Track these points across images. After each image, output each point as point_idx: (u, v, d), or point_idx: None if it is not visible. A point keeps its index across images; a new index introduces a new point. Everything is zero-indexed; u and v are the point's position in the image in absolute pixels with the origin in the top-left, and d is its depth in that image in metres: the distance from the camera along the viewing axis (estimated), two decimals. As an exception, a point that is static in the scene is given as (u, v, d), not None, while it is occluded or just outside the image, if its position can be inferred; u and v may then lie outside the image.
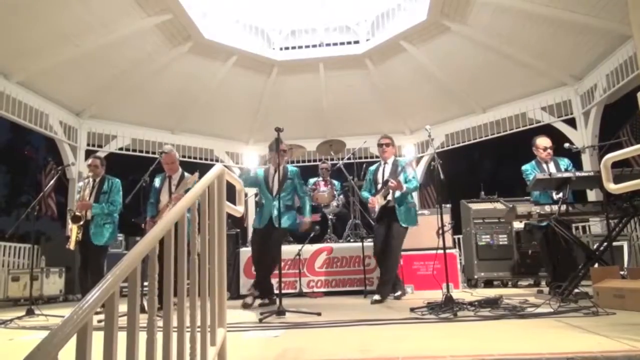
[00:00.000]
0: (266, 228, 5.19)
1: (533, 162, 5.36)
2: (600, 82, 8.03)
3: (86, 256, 5.39)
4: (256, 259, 5.28)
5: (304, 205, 5.48)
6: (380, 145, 5.49)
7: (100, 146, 9.58)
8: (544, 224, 4.89)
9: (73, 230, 5.25)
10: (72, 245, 5.22)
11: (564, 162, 5.28)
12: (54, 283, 7.33)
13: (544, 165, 5.25)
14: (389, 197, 5.21)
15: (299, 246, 6.42)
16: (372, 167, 5.69)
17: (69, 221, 5.37)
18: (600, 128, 8.40)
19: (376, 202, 5.25)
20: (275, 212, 5.03)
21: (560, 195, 4.56)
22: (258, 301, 5.17)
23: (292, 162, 8.70)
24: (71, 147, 9.17)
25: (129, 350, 1.38)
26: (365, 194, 5.56)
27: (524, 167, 5.35)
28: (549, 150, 5.25)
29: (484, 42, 8.37)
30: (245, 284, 6.66)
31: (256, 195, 8.22)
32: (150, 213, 5.30)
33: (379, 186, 5.34)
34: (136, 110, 9.70)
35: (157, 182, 5.46)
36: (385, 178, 5.25)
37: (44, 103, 8.47)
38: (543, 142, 5.32)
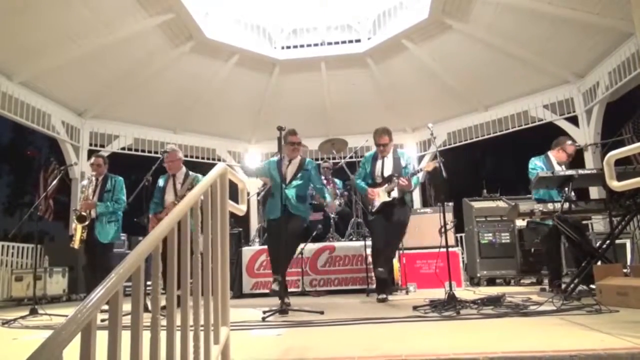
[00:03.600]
0: (282, 218, 4.87)
1: (543, 157, 5.27)
2: (602, 79, 8.01)
3: (92, 255, 5.40)
4: (274, 253, 4.94)
5: (322, 194, 5.26)
6: (378, 145, 5.21)
7: (102, 146, 9.61)
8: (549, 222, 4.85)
9: (77, 230, 5.27)
10: (76, 244, 5.26)
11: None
12: (57, 283, 7.35)
13: (555, 165, 5.16)
14: (394, 194, 5.03)
15: (301, 245, 6.41)
16: (369, 155, 5.42)
17: (74, 221, 5.38)
18: (603, 126, 8.38)
19: (377, 196, 5.07)
20: (289, 200, 4.91)
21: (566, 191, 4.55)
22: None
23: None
24: (74, 147, 9.19)
25: (133, 349, 1.39)
26: (360, 183, 5.31)
27: (534, 159, 5.24)
28: (570, 158, 5.21)
29: (485, 40, 8.35)
30: (248, 282, 6.69)
31: (258, 194, 8.24)
32: (154, 211, 5.30)
33: (378, 179, 5.16)
34: (138, 110, 9.72)
35: (160, 182, 5.47)
36: (390, 173, 5.09)
37: (47, 103, 8.49)
38: (572, 148, 5.25)
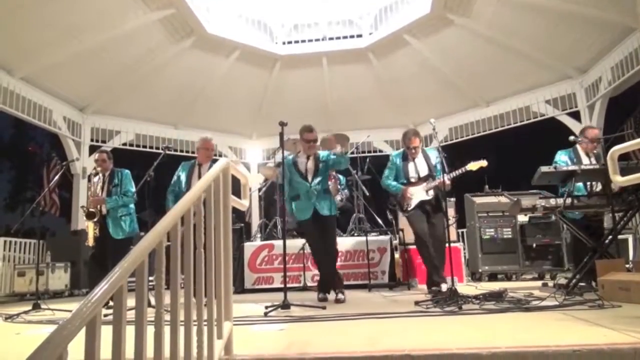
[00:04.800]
0: (314, 218, 4.86)
1: (570, 150, 5.13)
2: (605, 74, 7.98)
3: (103, 251, 5.24)
4: (317, 252, 4.98)
5: (342, 160, 5.00)
6: (409, 147, 5.19)
7: (104, 141, 9.61)
8: (579, 216, 4.79)
9: (90, 227, 5.19)
10: (90, 241, 5.15)
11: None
12: (59, 278, 7.37)
13: (582, 157, 5.04)
14: (432, 193, 5.04)
15: (303, 240, 6.42)
16: (397, 154, 5.41)
17: (84, 218, 5.31)
18: (605, 121, 8.35)
19: (414, 196, 5.07)
20: (317, 199, 4.84)
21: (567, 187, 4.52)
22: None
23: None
24: (75, 142, 9.20)
25: (137, 344, 1.39)
26: (392, 183, 5.27)
27: (560, 152, 5.13)
28: (595, 143, 5.09)
29: (487, 35, 8.32)
30: (250, 278, 6.70)
31: (260, 189, 8.25)
32: (173, 203, 5.22)
33: (413, 179, 5.16)
34: (140, 105, 9.71)
35: (181, 171, 5.41)
36: (426, 173, 5.11)
37: (48, 99, 8.49)
38: (593, 132, 5.15)
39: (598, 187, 4.71)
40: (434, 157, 5.22)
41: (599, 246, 4.34)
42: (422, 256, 5.28)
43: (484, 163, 4.88)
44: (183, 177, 5.38)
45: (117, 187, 5.39)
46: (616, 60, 7.67)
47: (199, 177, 5.23)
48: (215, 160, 5.47)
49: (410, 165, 5.23)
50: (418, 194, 5.12)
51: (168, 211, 4.97)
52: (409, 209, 5.16)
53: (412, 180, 5.19)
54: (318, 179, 4.93)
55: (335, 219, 5.12)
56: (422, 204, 5.11)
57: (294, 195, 4.97)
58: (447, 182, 4.79)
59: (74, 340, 1.04)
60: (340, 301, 4.60)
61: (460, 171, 4.91)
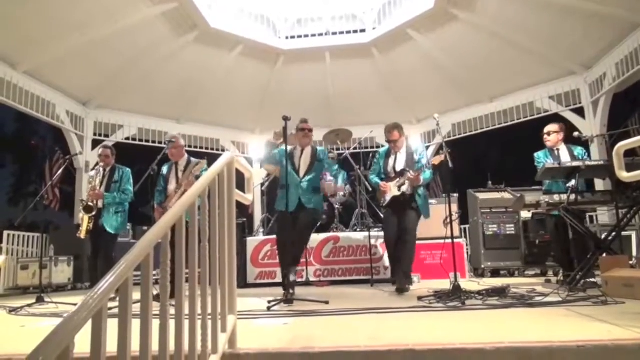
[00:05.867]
0: (298, 211, 4.78)
1: (546, 150, 5.28)
2: (609, 70, 7.94)
3: (98, 245, 5.45)
4: (283, 245, 4.81)
5: (337, 177, 5.16)
6: (388, 141, 5.21)
7: (107, 136, 9.62)
8: (556, 213, 4.83)
9: (84, 220, 5.30)
10: (82, 234, 5.30)
11: (579, 151, 5.19)
12: (62, 272, 7.40)
13: (556, 153, 5.17)
14: (404, 188, 4.98)
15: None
16: (383, 150, 5.43)
17: (81, 211, 5.40)
18: (609, 117, 8.32)
19: (389, 190, 5.07)
20: (303, 193, 4.82)
21: (573, 183, 4.52)
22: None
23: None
24: (78, 136, 9.21)
25: (143, 337, 1.39)
26: (374, 178, 5.29)
27: (536, 154, 5.28)
28: (549, 137, 5.20)
29: (491, 30, 8.28)
30: (252, 272, 6.71)
31: (262, 184, 8.24)
32: (158, 200, 5.31)
33: (391, 174, 5.14)
34: (142, 99, 9.71)
35: (164, 170, 5.49)
36: (401, 168, 5.05)
37: (51, 93, 8.50)
38: (546, 127, 5.29)
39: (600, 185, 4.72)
40: (418, 153, 5.20)
41: (603, 243, 4.33)
42: (389, 257, 5.43)
43: (442, 157, 4.82)
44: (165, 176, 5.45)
45: (117, 183, 5.55)
46: (621, 56, 7.63)
47: (176, 174, 5.32)
48: (190, 154, 5.54)
49: (390, 161, 5.22)
50: (392, 190, 5.07)
51: (156, 208, 4.97)
52: (384, 204, 5.16)
53: (391, 175, 5.17)
54: (309, 176, 4.95)
55: (315, 212, 5.00)
56: (393, 201, 5.07)
57: (282, 184, 4.88)
58: (414, 176, 4.81)
59: (80, 332, 1.04)
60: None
61: (426, 166, 4.89)
